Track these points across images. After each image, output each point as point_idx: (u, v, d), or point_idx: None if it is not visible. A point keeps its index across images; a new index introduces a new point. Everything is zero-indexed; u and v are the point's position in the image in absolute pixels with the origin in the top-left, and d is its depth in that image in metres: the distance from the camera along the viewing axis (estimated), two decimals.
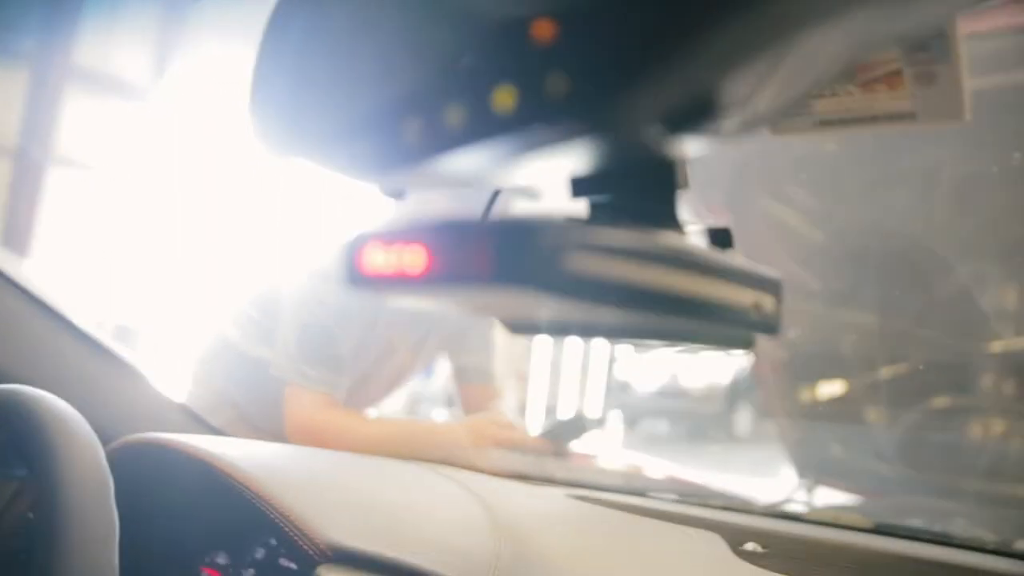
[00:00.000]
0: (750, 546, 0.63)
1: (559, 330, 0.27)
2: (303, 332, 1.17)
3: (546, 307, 0.22)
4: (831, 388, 1.63)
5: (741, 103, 0.19)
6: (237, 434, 0.92)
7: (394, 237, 0.22)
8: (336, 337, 1.17)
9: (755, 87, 0.19)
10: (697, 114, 0.19)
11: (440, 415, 4.10)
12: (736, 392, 5.05)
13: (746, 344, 0.26)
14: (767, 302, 0.25)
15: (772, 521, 0.75)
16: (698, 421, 5.18)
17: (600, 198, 0.26)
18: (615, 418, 5.25)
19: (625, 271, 0.21)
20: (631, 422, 5.37)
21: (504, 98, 0.20)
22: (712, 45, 0.17)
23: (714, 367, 5.15)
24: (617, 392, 5.30)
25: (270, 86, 0.30)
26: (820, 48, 0.18)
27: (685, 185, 0.25)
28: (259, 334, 1.25)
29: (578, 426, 1.24)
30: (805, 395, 1.67)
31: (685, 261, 0.23)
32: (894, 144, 1.09)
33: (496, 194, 0.31)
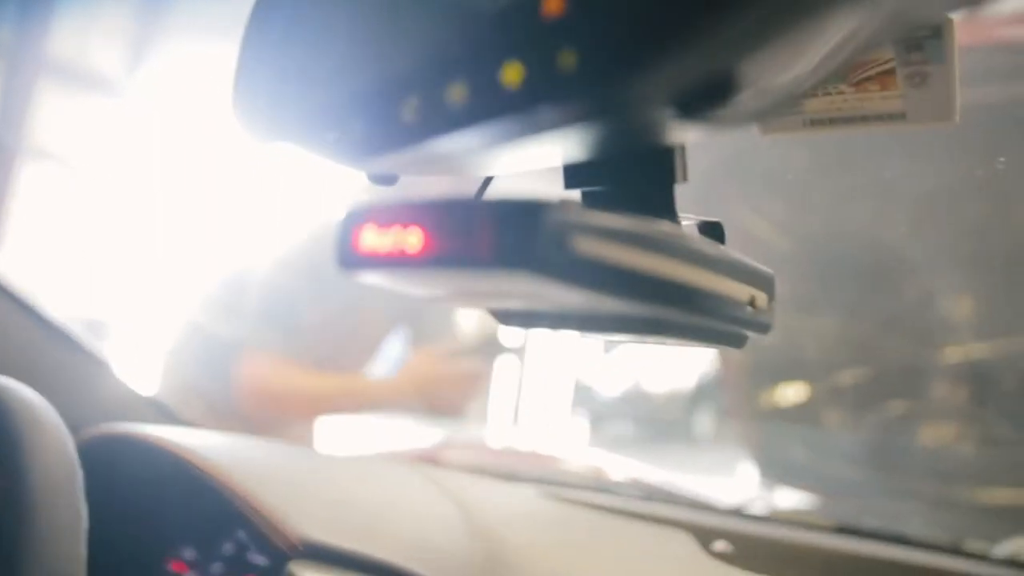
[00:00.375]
0: (719, 545, 0.64)
1: (551, 322, 0.26)
2: (265, 299, 1.19)
3: (544, 295, 0.21)
4: (794, 392, 1.65)
5: (757, 87, 0.18)
6: (208, 426, 0.91)
7: (391, 216, 0.21)
8: (299, 306, 1.18)
9: (773, 70, 0.19)
10: (711, 97, 0.18)
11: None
12: (698, 396, 5.10)
13: (738, 342, 0.26)
14: (761, 298, 0.25)
15: (738, 521, 0.75)
16: (661, 423, 5.22)
17: (595, 188, 0.26)
18: (580, 419, 5.27)
19: (631, 258, 0.21)
20: (596, 423, 5.39)
21: (512, 74, 0.19)
22: (735, 21, 0.16)
23: (676, 371, 5.19)
24: (582, 394, 5.31)
25: (256, 68, 0.29)
26: (844, 30, 0.17)
27: (683, 178, 0.25)
28: (228, 315, 1.25)
29: (497, 346, 1.31)
30: (768, 398, 1.69)
31: (689, 251, 0.22)
32: (857, 155, 1.10)
33: (488, 181, 0.30)
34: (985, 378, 1.41)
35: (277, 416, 1.23)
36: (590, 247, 0.20)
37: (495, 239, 0.19)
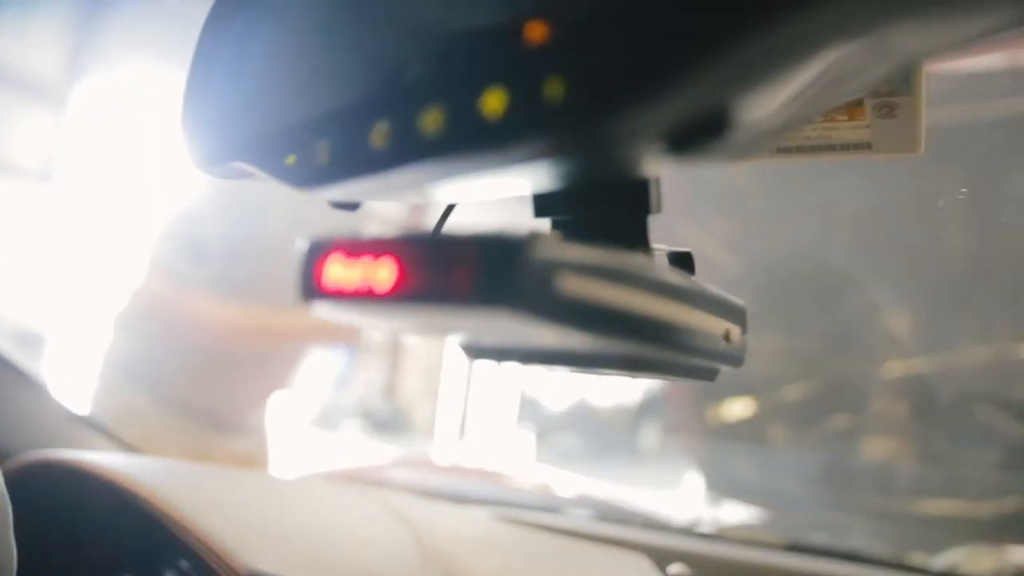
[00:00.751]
0: (675, 568, 0.64)
1: (523, 357, 0.25)
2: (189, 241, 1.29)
3: (521, 332, 0.20)
4: (739, 407, 1.67)
5: (749, 123, 0.17)
6: (152, 441, 0.89)
7: (359, 248, 0.20)
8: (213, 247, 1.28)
9: (767, 107, 0.18)
10: (704, 133, 0.17)
11: (355, 426, 4.03)
12: (643, 410, 5.14)
13: (711, 375, 0.25)
14: (735, 332, 0.24)
15: (692, 541, 0.75)
16: (607, 438, 5.25)
17: (566, 217, 0.25)
18: (527, 434, 5.27)
19: (615, 295, 0.20)
20: (542, 438, 5.40)
21: (493, 102, 0.18)
22: (743, 50, 0.15)
23: (621, 386, 5.24)
24: (528, 409, 5.33)
25: (206, 86, 0.28)
26: (842, 67, 0.17)
27: (658, 209, 0.24)
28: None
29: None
30: (714, 414, 1.71)
31: (670, 287, 0.22)
32: (799, 174, 1.13)
33: (450, 208, 0.29)
34: (924, 393, 1.45)
35: (217, 348, 1.30)
36: (574, 285, 0.19)
37: (475, 276, 0.18)
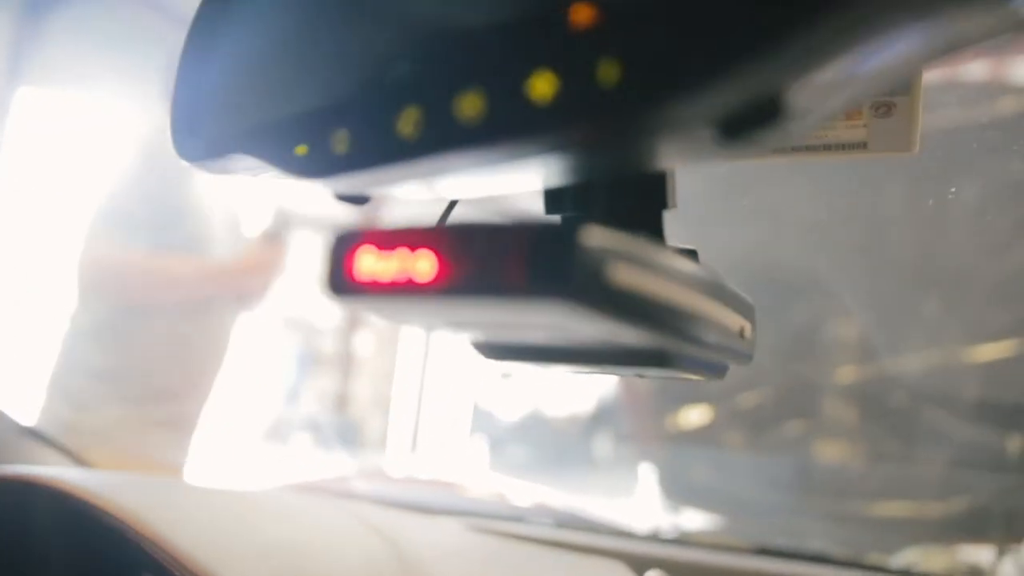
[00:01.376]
0: (653, 574, 0.64)
1: (539, 356, 0.24)
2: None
3: (564, 326, 0.19)
4: (695, 414, 1.69)
5: (804, 111, 0.17)
6: (98, 458, 0.88)
7: (392, 240, 0.19)
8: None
9: (818, 95, 0.17)
10: (762, 120, 0.16)
11: (306, 441, 3.97)
12: (596, 420, 5.16)
13: (721, 373, 0.25)
14: (748, 328, 0.24)
15: (663, 546, 0.76)
16: (560, 448, 5.26)
17: (578, 213, 0.24)
18: (480, 444, 5.25)
19: (659, 287, 0.19)
20: (495, 449, 5.39)
21: (542, 86, 0.17)
22: (803, 38, 0.15)
23: (574, 396, 5.26)
24: (481, 419, 5.31)
25: (201, 75, 0.27)
26: (888, 58, 0.17)
27: (673, 204, 0.24)
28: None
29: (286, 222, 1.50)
30: (670, 421, 1.73)
31: (704, 282, 0.21)
32: (747, 184, 1.14)
33: (453, 204, 0.28)
34: (876, 397, 1.48)
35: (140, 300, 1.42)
36: (623, 275, 0.18)
37: (528, 265, 0.17)
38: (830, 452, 1.56)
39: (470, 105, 0.19)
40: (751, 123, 0.16)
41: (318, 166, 0.22)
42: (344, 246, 0.20)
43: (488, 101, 0.18)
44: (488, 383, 5.49)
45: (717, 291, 0.22)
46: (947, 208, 1.25)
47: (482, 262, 0.18)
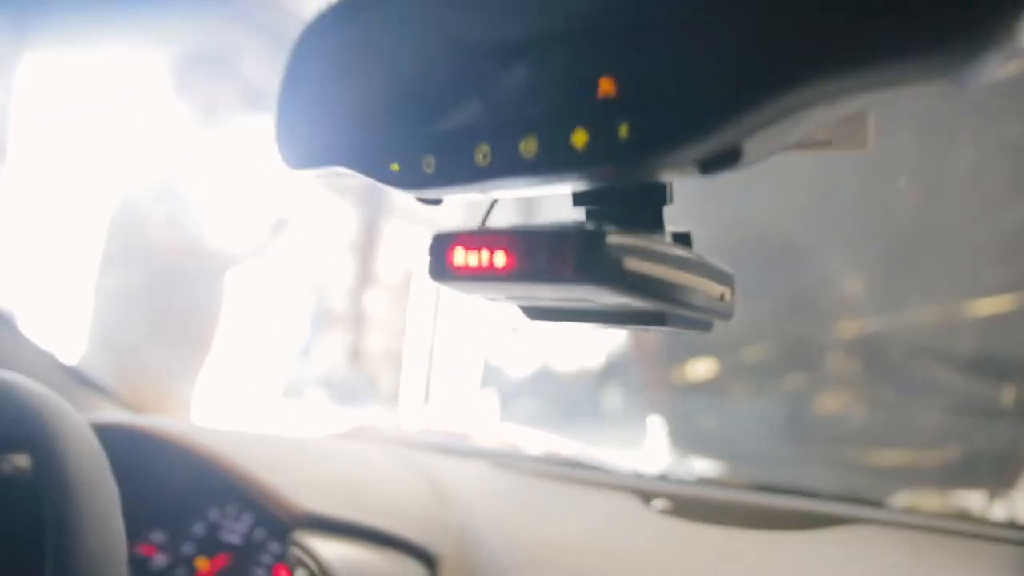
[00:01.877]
0: (659, 503, 0.71)
1: (572, 317, 0.31)
2: None
3: (590, 297, 0.27)
4: (703, 367, 1.75)
5: (754, 151, 0.24)
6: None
7: (477, 240, 0.27)
8: None
9: (778, 140, 0.24)
10: (729, 161, 0.24)
11: (320, 395, 4.06)
12: (606, 374, 5.21)
13: (708, 327, 0.32)
14: (727, 293, 0.31)
15: (668, 484, 0.83)
16: (570, 400, 5.33)
17: (599, 207, 0.31)
18: (491, 399, 5.33)
19: (655, 269, 0.27)
20: (506, 403, 5.46)
21: (580, 138, 0.25)
22: (760, 109, 0.22)
23: (583, 351, 5.30)
24: (491, 375, 5.37)
25: (305, 97, 0.33)
26: (825, 113, 0.24)
27: (671, 200, 0.31)
28: None
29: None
30: (680, 374, 1.79)
31: (688, 261, 0.29)
32: None
33: (494, 203, 0.36)
34: (875, 351, 1.52)
35: None
36: (634, 264, 0.26)
37: (572, 260, 0.25)
38: (830, 403, 1.62)
39: (528, 147, 0.26)
40: (720, 163, 0.24)
41: (410, 181, 0.30)
42: (443, 244, 0.27)
43: (541, 144, 0.26)
44: (498, 338, 5.57)
45: (701, 268, 0.30)
46: (947, 171, 1.30)
47: (540, 257, 0.25)
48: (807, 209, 1.51)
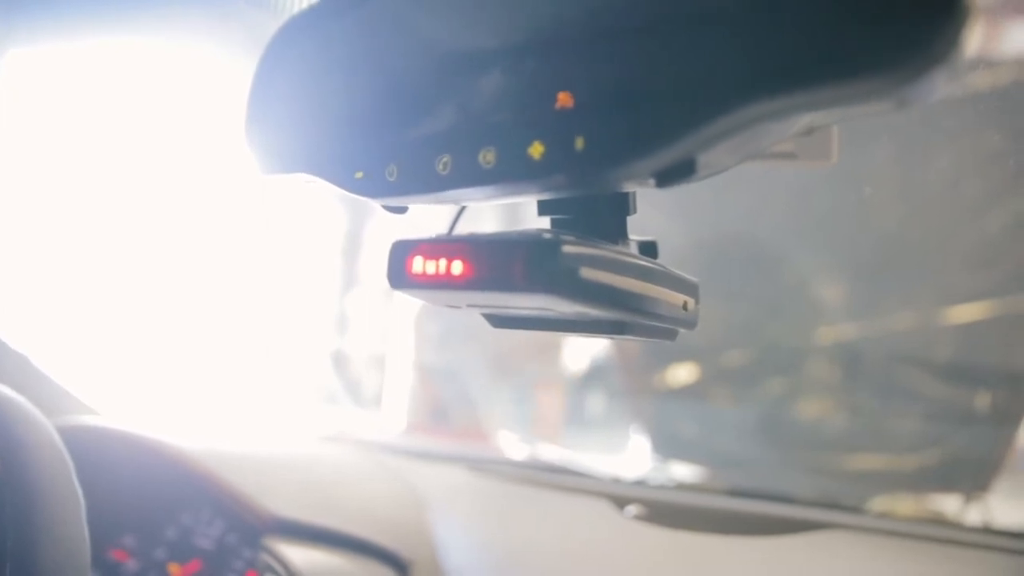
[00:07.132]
0: (632, 509, 0.72)
1: (535, 324, 0.32)
2: None
3: (549, 306, 0.27)
4: (684, 373, 1.75)
5: (709, 165, 0.24)
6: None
7: (435, 249, 0.27)
8: None
9: (732, 154, 0.25)
10: (683, 174, 0.24)
11: (300, 400, 4.03)
12: (588, 380, 5.22)
13: (671, 336, 0.33)
14: (691, 303, 0.32)
15: (644, 490, 0.84)
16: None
17: (563, 216, 0.31)
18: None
19: (611, 278, 0.27)
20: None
21: (536, 149, 0.25)
22: (700, 134, 0.22)
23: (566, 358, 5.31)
24: None
25: (273, 103, 0.33)
26: (781, 130, 0.24)
27: (634, 211, 0.31)
28: None
29: None
30: (661, 379, 1.79)
31: (647, 271, 0.29)
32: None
33: (461, 210, 0.36)
34: (853, 356, 1.54)
35: None
36: (589, 273, 0.26)
37: (526, 269, 0.25)
38: (809, 408, 1.63)
39: (487, 157, 0.26)
40: (675, 175, 0.24)
41: (373, 189, 0.30)
42: (402, 252, 0.28)
43: (499, 154, 0.26)
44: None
45: (661, 277, 0.30)
46: (926, 177, 1.31)
47: (495, 266, 0.26)
48: (786, 215, 1.52)
